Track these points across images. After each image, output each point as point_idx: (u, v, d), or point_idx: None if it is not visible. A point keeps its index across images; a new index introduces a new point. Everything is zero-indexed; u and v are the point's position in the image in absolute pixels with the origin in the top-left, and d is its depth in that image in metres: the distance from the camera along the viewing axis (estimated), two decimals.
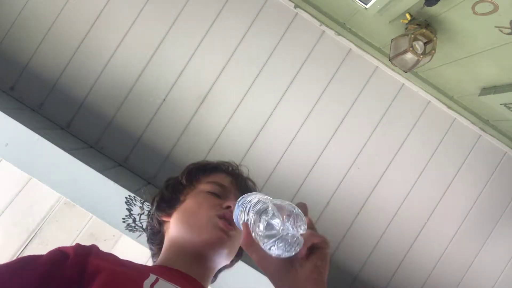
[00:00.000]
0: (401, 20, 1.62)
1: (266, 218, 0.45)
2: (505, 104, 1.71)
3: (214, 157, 1.97)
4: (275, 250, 0.45)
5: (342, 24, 2.01)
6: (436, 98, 2.08)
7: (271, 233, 0.45)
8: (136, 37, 1.97)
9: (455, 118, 2.11)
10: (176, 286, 0.54)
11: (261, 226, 0.45)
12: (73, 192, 1.50)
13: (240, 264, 1.42)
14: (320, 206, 2.04)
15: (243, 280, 1.45)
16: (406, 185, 2.11)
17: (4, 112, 1.53)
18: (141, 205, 1.49)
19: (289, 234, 0.44)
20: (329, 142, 2.06)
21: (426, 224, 2.11)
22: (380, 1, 1.52)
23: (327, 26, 2.00)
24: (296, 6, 1.99)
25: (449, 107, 2.09)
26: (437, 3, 1.35)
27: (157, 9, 1.97)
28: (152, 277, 0.52)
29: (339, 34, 2.01)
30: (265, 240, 0.45)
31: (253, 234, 0.48)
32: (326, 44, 2.03)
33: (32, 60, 1.95)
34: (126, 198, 1.50)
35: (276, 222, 0.45)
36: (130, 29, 1.97)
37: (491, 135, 2.11)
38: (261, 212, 0.47)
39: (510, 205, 2.15)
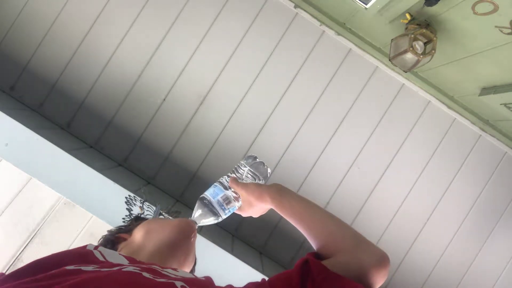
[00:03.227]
0: (401, 20, 1.62)
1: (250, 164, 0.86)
2: (505, 104, 1.71)
3: (213, 157, 1.99)
4: (255, 178, 0.83)
5: (342, 24, 2.01)
6: (436, 98, 2.08)
7: (258, 168, 0.85)
8: (136, 37, 1.97)
9: (455, 118, 2.11)
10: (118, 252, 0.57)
11: (249, 165, 0.84)
12: (73, 192, 1.50)
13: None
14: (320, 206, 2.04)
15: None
16: (406, 185, 2.11)
17: (4, 112, 1.53)
18: (141, 205, 1.50)
19: (260, 172, 0.85)
20: (329, 141, 2.06)
21: (426, 224, 2.11)
22: (380, 1, 1.52)
23: (327, 26, 2.00)
24: (296, 6, 1.99)
25: (449, 107, 2.09)
26: (437, 3, 1.35)
27: (157, 8, 1.97)
28: (91, 245, 0.56)
29: (339, 34, 2.01)
30: (252, 168, 0.84)
31: (238, 178, 0.82)
32: (326, 44, 2.03)
33: (32, 60, 1.95)
34: (126, 198, 1.50)
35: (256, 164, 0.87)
36: (130, 29, 1.97)
37: (491, 135, 2.11)
38: (249, 163, 0.86)
39: (510, 205, 2.15)
